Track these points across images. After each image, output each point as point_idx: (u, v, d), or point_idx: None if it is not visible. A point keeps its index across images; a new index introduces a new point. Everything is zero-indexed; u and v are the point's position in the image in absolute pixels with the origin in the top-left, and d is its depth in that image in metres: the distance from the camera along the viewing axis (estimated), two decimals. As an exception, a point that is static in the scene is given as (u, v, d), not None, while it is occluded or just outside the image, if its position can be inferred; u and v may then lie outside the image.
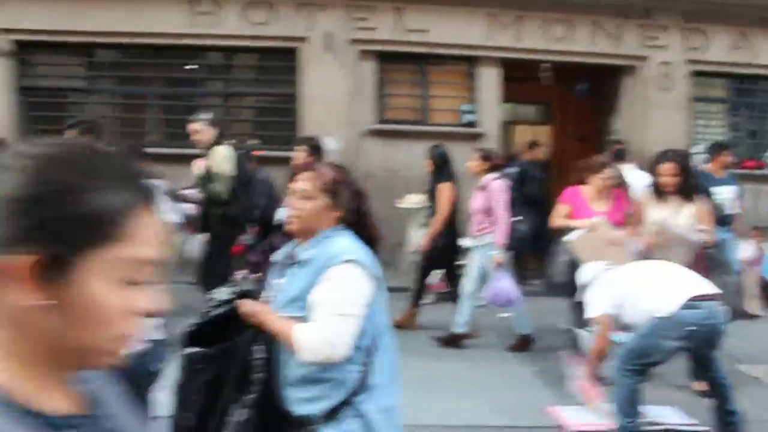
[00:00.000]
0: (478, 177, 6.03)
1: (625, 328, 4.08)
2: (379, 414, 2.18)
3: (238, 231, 5.85)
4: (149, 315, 0.80)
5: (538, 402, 4.65)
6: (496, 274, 5.80)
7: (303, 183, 2.28)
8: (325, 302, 2.13)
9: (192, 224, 5.90)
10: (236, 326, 2.27)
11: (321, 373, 2.15)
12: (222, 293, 2.36)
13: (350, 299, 2.14)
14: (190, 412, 2.26)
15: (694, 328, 3.67)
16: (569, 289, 5.04)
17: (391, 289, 2.45)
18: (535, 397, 4.78)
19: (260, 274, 5.23)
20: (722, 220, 5.88)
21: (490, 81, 9.28)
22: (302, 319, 2.15)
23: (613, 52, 9.44)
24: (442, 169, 6.40)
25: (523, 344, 5.96)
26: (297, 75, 9.00)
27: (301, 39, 8.90)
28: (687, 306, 3.68)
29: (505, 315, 6.26)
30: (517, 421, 4.39)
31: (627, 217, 5.22)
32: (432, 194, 6.45)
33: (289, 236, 2.42)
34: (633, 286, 4.00)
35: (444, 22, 9.03)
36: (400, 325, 6.02)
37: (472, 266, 6.03)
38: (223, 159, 5.53)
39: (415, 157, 7.95)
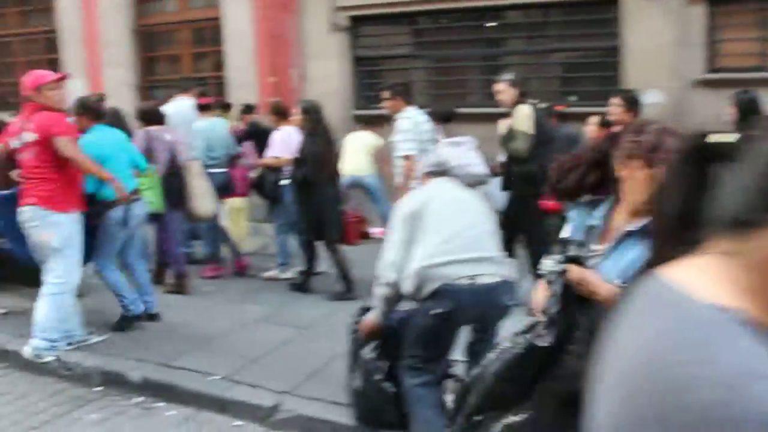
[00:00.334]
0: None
1: None
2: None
3: (538, 189, 5.78)
4: None
5: None
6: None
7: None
8: None
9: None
10: (566, 294, 2.20)
11: None
12: (548, 264, 2.31)
13: None
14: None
15: None
16: None
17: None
18: None
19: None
20: None
21: None
22: None
23: None
24: (747, 119, 5.54)
25: None
26: (617, 27, 8.45)
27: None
28: None
29: None
30: None
31: None
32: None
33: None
34: None
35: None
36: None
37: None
38: (523, 117, 5.56)
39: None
